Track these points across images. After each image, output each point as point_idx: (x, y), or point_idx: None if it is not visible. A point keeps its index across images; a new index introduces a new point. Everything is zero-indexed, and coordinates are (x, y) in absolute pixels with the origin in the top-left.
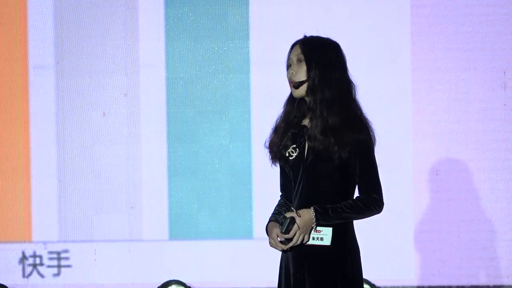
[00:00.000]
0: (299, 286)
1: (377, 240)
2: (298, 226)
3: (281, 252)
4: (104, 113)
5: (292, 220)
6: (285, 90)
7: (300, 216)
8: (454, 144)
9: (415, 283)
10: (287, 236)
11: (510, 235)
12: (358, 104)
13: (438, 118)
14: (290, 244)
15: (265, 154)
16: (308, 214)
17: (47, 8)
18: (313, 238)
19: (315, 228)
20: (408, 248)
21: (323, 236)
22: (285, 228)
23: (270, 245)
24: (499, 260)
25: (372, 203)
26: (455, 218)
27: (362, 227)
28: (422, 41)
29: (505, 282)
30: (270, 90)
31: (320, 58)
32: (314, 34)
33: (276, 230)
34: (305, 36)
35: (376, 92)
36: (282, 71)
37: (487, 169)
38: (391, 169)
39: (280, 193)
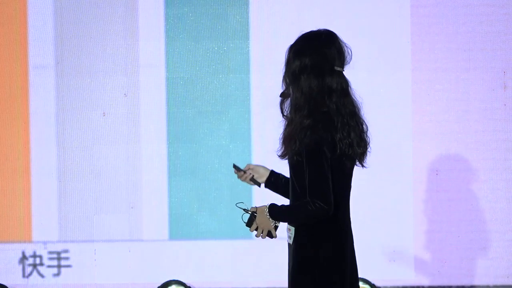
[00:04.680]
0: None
1: (377, 240)
2: (256, 222)
3: None
4: (104, 113)
5: (253, 216)
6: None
7: (256, 213)
8: (454, 144)
9: (415, 283)
10: (250, 230)
11: (510, 235)
12: (332, 108)
13: (438, 118)
14: (256, 235)
15: (265, 154)
16: (264, 211)
17: (47, 8)
18: (287, 236)
19: (274, 224)
20: (408, 248)
21: (290, 235)
22: (247, 221)
23: None
24: (499, 260)
25: (309, 203)
26: (455, 218)
27: (363, 227)
28: (422, 41)
29: (505, 282)
30: (270, 90)
31: (291, 64)
32: (314, 29)
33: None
34: (299, 35)
35: (376, 92)
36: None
37: (487, 169)
38: (391, 169)
39: None
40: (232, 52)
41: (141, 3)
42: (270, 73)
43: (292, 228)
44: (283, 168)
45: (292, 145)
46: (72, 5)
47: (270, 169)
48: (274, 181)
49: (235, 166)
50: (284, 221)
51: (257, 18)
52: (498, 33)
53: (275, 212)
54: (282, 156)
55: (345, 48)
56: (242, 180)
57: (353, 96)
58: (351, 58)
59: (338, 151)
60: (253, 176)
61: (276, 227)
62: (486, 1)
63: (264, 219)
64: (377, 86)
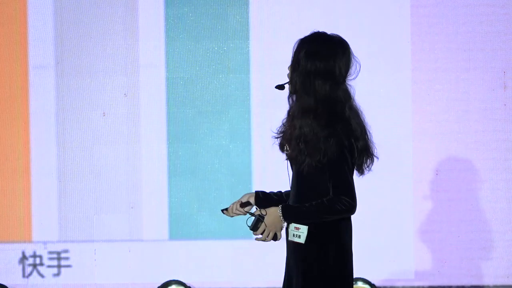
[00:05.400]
0: (289, 278)
1: (377, 240)
2: (265, 224)
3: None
4: (104, 113)
5: (260, 218)
6: (285, 90)
7: (266, 214)
8: (454, 144)
9: (415, 283)
10: (255, 234)
11: (510, 235)
12: (350, 117)
13: (438, 118)
14: (259, 239)
15: (265, 154)
16: (275, 212)
17: (47, 8)
18: (293, 235)
19: (284, 224)
20: (408, 248)
21: (300, 234)
22: (252, 225)
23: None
24: (499, 260)
25: (337, 202)
26: (455, 218)
27: (363, 227)
28: (422, 41)
29: (505, 282)
30: (270, 90)
31: (304, 65)
32: (313, 29)
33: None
34: (311, 33)
35: (376, 92)
36: (282, 71)
37: (487, 169)
38: (391, 169)
39: None
40: (232, 52)
41: (141, 3)
42: (270, 73)
43: (304, 227)
44: (282, 165)
45: (316, 156)
46: (72, 5)
47: (253, 191)
48: (263, 197)
49: (222, 211)
50: (300, 221)
51: (257, 18)
52: (498, 33)
53: (292, 213)
54: (290, 157)
55: (353, 60)
56: (238, 214)
57: (358, 107)
58: (358, 73)
59: (357, 157)
60: (242, 202)
61: (282, 228)
62: (486, 1)
63: (276, 221)
64: (377, 86)
